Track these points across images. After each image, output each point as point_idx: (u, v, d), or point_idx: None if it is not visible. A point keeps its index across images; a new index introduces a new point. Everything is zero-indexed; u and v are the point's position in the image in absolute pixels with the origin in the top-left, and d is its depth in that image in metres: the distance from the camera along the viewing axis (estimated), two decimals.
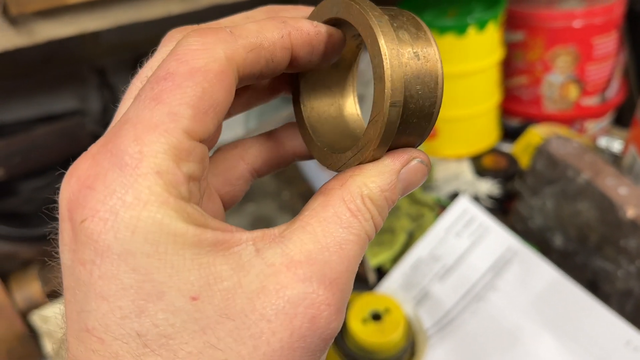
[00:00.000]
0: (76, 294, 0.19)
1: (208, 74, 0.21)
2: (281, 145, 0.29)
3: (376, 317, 0.61)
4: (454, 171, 0.89)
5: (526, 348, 0.64)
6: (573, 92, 0.93)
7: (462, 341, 0.66)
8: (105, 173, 0.19)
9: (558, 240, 0.73)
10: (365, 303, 0.62)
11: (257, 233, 0.21)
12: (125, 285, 0.18)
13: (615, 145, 0.89)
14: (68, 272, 0.20)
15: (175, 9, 0.63)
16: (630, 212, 0.64)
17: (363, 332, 0.60)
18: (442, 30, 0.84)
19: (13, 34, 0.57)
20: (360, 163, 0.23)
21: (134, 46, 0.94)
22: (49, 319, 0.68)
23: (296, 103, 0.28)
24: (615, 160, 0.87)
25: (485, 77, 0.90)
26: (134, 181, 0.19)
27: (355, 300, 0.62)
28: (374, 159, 0.23)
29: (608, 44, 0.91)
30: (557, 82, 0.93)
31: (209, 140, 0.26)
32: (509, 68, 0.95)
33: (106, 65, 0.93)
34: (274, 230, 0.21)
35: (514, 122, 0.99)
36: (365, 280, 0.75)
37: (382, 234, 0.77)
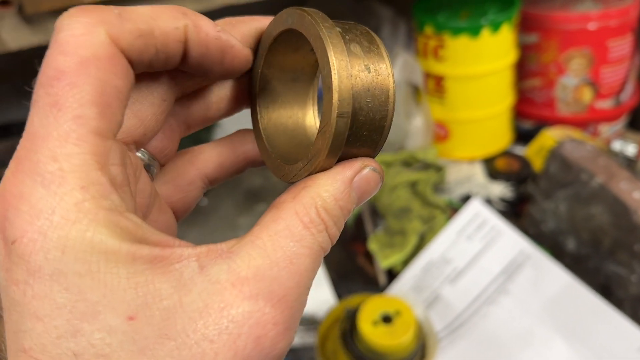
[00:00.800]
0: (12, 314, 0.19)
1: (99, 62, 0.19)
2: (234, 151, 0.28)
3: (387, 319, 0.61)
4: (466, 173, 0.88)
5: (537, 352, 0.63)
6: (587, 94, 0.92)
7: (472, 345, 0.65)
8: (30, 192, 0.18)
9: (571, 244, 0.72)
10: (376, 305, 0.62)
11: (202, 249, 0.20)
12: (59, 304, 0.18)
13: (629, 148, 0.89)
14: (3, 292, 0.19)
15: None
16: None
17: (373, 334, 0.59)
18: (455, 31, 0.84)
19: (28, 33, 0.57)
20: (310, 174, 0.23)
21: None
22: None
23: (254, 114, 0.28)
24: (629, 163, 0.87)
25: (498, 79, 0.89)
26: (60, 200, 0.18)
27: (366, 302, 0.62)
28: (324, 169, 0.23)
29: (623, 46, 0.90)
30: (571, 84, 0.92)
31: (162, 153, 0.25)
32: (522, 70, 0.95)
33: None
34: (222, 246, 0.20)
35: (527, 124, 0.99)
36: (375, 282, 0.75)
37: (394, 236, 0.77)
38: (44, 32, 0.57)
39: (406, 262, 0.74)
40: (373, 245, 0.76)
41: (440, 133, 0.94)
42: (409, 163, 0.85)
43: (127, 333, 0.18)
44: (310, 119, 0.29)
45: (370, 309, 0.61)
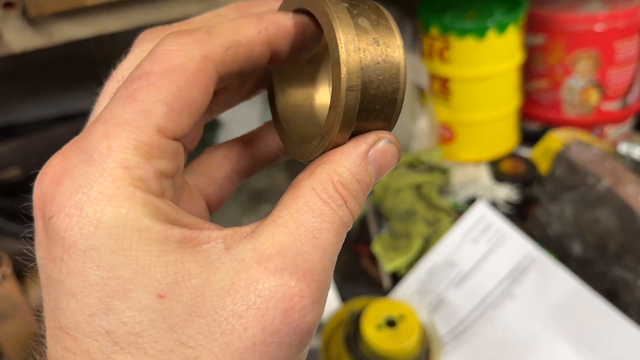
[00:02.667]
0: (49, 292, 0.19)
1: (184, 72, 0.21)
2: (263, 143, 0.29)
3: (391, 323, 0.61)
4: (472, 176, 0.88)
5: (543, 357, 0.63)
6: (593, 96, 0.92)
7: (477, 349, 0.65)
8: (73, 169, 0.19)
9: (577, 248, 0.72)
10: (380, 309, 0.61)
11: (228, 231, 0.21)
12: (91, 282, 0.18)
13: (636, 151, 0.88)
14: (42, 270, 0.19)
15: (193, 9, 0.63)
16: None
17: (377, 338, 0.59)
18: (461, 33, 0.83)
19: (32, 34, 0.57)
20: (325, 151, 0.23)
21: None
22: None
23: (271, 98, 0.28)
24: (636, 166, 0.86)
25: (504, 80, 0.89)
26: (100, 176, 0.19)
27: (369, 306, 0.62)
28: (338, 145, 0.23)
29: (630, 48, 0.89)
30: (577, 86, 0.91)
31: (188, 139, 0.26)
32: (528, 71, 0.94)
33: None
34: (246, 228, 0.21)
35: (533, 126, 0.98)
36: (380, 285, 0.75)
37: (398, 238, 0.76)
38: (47, 34, 0.57)
39: (411, 265, 0.73)
40: (377, 248, 0.75)
41: (446, 135, 0.94)
42: (414, 165, 0.85)
43: (157, 311, 0.18)
44: (325, 97, 0.29)
45: (374, 312, 0.61)
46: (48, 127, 0.79)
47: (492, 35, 0.83)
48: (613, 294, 0.67)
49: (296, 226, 0.21)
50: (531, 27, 0.91)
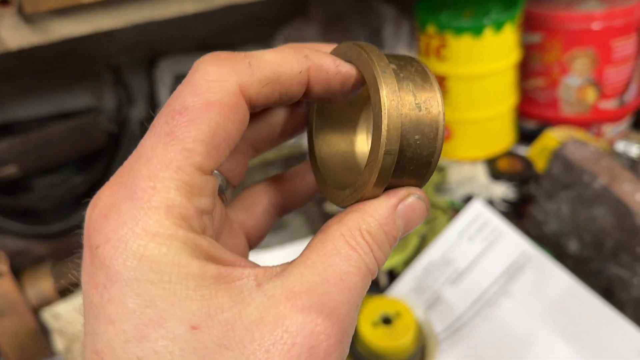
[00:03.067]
0: (89, 317, 0.20)
1: (222, 108, 0.21)
2: (300, 181, 0.30)
3: (387, 320, 0.61)
4: (469, 174, 0.88)
5: (538, 355, 0.63)
6: (591, 95, 0.92)
7: (473, 347, 0.65)
8: (120, 204, 0.20)
9: (573, 246, 0.72)
10: (376, 306, 0.61)
11: (260, 269, 0.22)
12: (129, 309, 0.19)
13: (633, 149, 0.88)
14: (84, 295, 0.20)
15: (189, 8, 0.63)
16: None
17: (373, 336, 0.59)
18: (458, 31, 0.83)
19: (28, 32, 0.57)
20: (357, 201, 0.24)
21: (149, 45, 0.94)
22: (60, 316, 0.69)
23: (309, 137, 0.29)
24: (633, 164, 0.86)
25: (501, 78, 0.89)
26: (144, 214, 0.20)
27: (365, 303, 0.62)
28: (370, 198, 0.24)
29: (627, 46, 0.89)
30: (574, 84, 0.91)
31: (233, 175, 0.27)
32: (525, 70, 0.94)
33: (121, 63, 0.93)
34: (276, 268, 0.22)
35: (530, 124, 0.98)
36: (376, 283, 0.75)
37: None
38: (43, 31, 0.57)
39: (407, 263, 0.73)
40: None
41: None
42: None
43: (189, 342, 0.19)
44: (363, 144, 0.30)
45: (370, 310, 0.61)
46: (45, 125, 0.79)
47: (488, 34, 0.83)
48: (609, 292, 0.68)
49: (324, 268, 0.21)
50: (528, 25, 0.91)
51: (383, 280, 0.74)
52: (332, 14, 0.96)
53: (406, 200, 0.24)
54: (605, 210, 0.67)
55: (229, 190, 0.28)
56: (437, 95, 0.24)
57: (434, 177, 0.82)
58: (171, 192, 0.20)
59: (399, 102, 0.23)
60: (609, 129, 0.95)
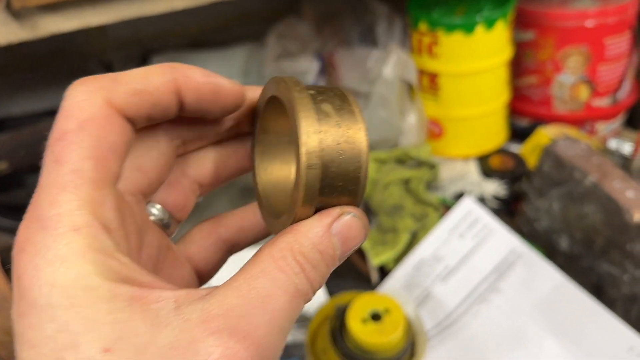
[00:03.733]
0: (17, 343, 0.21)
1: (95, 122, 0.22)
2: (252, 217, 0.31)
3: (376, 317, 0.61)
4: (460, 171, 0.88)
5: (528, 351, 0.63)
6: (584, 92, 0.92)
7: (463, 343, 0.65)
8: (33, 236, 0.21)
9: (564, 243, 0.72)
10: (365, 303, 0.61)
11: (182, 292, 0.21)
12: (46, 334, 0.20)
13: (626, 147, 0.88)
14: (13, 324, 0.21)
15: (179, 4, 0.63)
16: (637, 216, 0.63)
17: (362, 332, 0.59)
18: (450, 28, 0.83)
19: (16, 28, 0.57)
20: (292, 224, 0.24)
21: (141, 41, 0.94)
22: None
23: (254, 176, 0.30)
24: (625, 162, 0.86)
25: (493, 76, 0.89)
26: (54, 241, 0.20)
27: (355, 300, 0.62)
28: (303, 219, 0.24)
29: (621, 44, 0.89)
30: (567, 82, 0.92)
31: (178, 210, 0.29)
32: (518, 67, 0.94)
33: (113, 60, 0.93)
34: (203, 291, 0.22)
35: (523, 122, 0.98)
36: (368, 280, 0.75)
37: (386, 233, 0.76)
38: (32, 27, 0.57)
39: (398, 259, 0.73)
40: (365, 243, 0.75)
41: (434, 130, 0.94)
42: (402, 160, 0.85)
43: None
44: None
45: (360, 306, 0.61)
46: (37, 121, 0.79)
47: (480, 31, 0.83)
48: (599, 289, 0.68)
49: (248, 290, 0.21)
50: (521, 23, 0.91)
51: (374, 277, 0.75)
52: (325, 11, 0.96)
53: (341, 219, 0.24)
54: (595, 208, 0.67)
55: (173, 224, 0.29)
56: (357, 114, 0.25)
57: (426, 174, 0.82)
58: (75, 214, 0.21)
59: (315, 120, 0.23)
60: (602, 127, 0.95)
